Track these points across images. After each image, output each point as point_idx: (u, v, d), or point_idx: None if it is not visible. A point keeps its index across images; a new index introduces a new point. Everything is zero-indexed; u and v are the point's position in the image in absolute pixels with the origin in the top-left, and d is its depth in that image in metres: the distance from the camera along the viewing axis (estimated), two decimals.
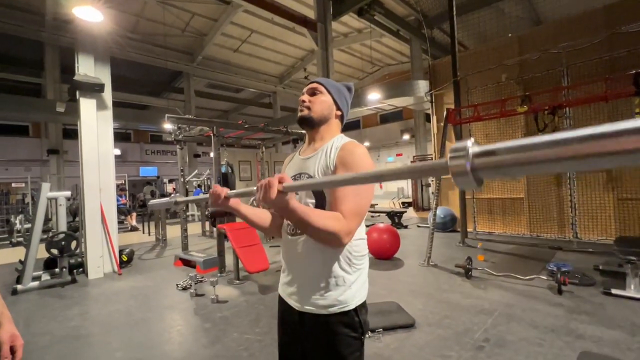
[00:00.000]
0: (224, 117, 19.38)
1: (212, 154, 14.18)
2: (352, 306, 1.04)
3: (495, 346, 2.27)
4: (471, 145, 0.40)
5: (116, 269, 4.71)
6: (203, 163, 16.56)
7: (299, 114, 1.15)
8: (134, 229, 9.16)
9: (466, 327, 2.57)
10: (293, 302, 1.10)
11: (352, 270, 1.06)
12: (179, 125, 4.29)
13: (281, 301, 1.19)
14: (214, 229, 4.50)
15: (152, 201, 1.43)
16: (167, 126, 10.12)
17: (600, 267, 3.75)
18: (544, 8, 9.57)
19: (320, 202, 1.05)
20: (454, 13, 5.74)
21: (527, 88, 5.48)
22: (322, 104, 1.14)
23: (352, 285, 1.05)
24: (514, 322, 2.61)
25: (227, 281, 4.02)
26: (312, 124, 1.14)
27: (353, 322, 1.04)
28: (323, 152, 1.09)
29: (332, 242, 0.96)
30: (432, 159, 9.84)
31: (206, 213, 4.18)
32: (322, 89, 1.15)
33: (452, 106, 6.00)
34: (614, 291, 3.02)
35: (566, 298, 3.03)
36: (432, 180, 7.80)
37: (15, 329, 0.94)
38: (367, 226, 7.94)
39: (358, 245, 1.08)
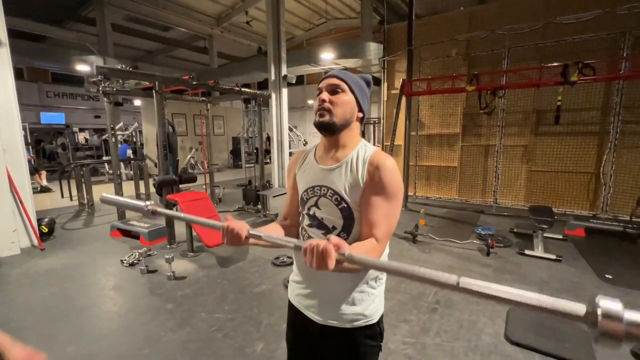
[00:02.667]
0: (148, 59, 16.76)
1: (137, 102, 12.36)
2: (376, 319, 1.06)
3: (445, 307, 2.65)
4: (626, 312, 0.41)
5: (36, 242, 4.05)
6: (126, 112, 14.48)
7: (319, 118, 1.00)
8: (45, 189, 7.83)
9: (419, 291, 2.92)
10: (313, 315, 1.09)
11: (377, 285, 1.08)
12: (109, 76, 3.55)
13: (295, 310, 1.16)
14: (160, 196, 4.09)
15: (113, 197, 1.20)
16: (82, 68, 8.41)
17: (515, 230, 4.51)
18: None
19: (349, 221, 1.00)
20: None
21: (471, 65, 5.84)
22: (344, 105, 1.00)
23: (375, 299, 1.07)
24: None
25: (180, 254, 3.80)
26: (333, 131, 1.01)
27: (375, 334, 1.07)
28: (348, 165, 1.00)
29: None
30: (376, 122, 10.16)
31: (152, 183, 3.74)
32: (345, 86, 1.01)
33: (404, 75, 6.14)
34: (526, 252, 3.69)
35: (493, 259, 3.62)
36: (378, 146, 8.15)
37: (25, 347, 0.77)
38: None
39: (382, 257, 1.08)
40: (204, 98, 6.03)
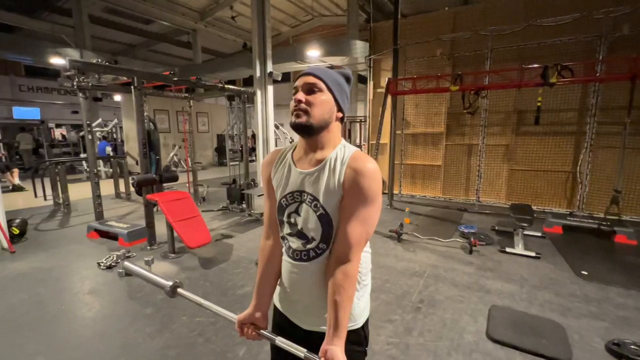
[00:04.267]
0: (129, 52, 16.22)
1: (117, 98, 11.95)
2: (360, 324, 1.04)
3: (428, 306, 2.67)
4: None
5: (6, 245, 3.85)
6: (106, 108, 13.99)
7: (295, 119, 0.94)
8: (17, 188, 7.46)
9: (404, 290, 2.93)
10: (298, 322, 1.07)
11: (360, 287, 1.05)
12: (84, 71, 3.37)
13: (280, 314, 1.14)
14: (140, 196, 3.95)
15: (134, 268, 1.31)
16: (56, 61, 8.04)
17: (496, 228, 4.61)
18: None
19: (328, 229, 0.96)
20: None
21: (455, 65, 5.91)
22: (322, 105, 0.94)
23: (359, 302, 1.04)
24: (440, 283, 3.07)
25: (160, 255, 3.69)
26: (311, 132, 0.95)
27: (360, 339, 1.05)
28: (327, 168, 0.95)
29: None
30: (363, 121, 10.18)
31: (131, 182, 3.61)
32: (322, 85, 0.94)
33: (390, 73, 6.16)
34: (507, 249, 3.77)
35: (475, 257, 3.68)
36: (364, 144, 8.17)
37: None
38: None
39: (364, 259, 1.05)
40: (187, 94, 5.85)
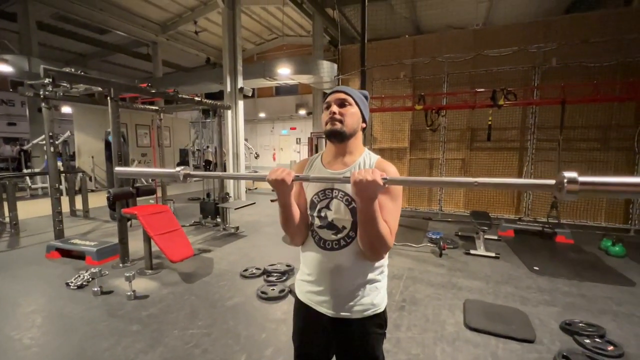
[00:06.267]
0: (80, 62, 15.23)
1: (65, 110, 11.06)
2: (382, 308, 1.19)
3: (411, 304, 2.89)
4: (579, 177, 0.68)
5: None
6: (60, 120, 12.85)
7: (331, 127, 1.11)
8: None
9: (387, 291, 3.13)
10: (325, 310, 1.16)
11: (382, 277, 1.21)
12: (58, 80, 3.20)
13: (305, 307, 1.22)
14: (113, 211, 3.76)
15: (130, 169, 1.19)
16: (3, 68, 7.36)
17: (459, 233, 5.07)
18: (422, 15, 11.23)
19: (356, 222, 1.09)
20: (366, 2, 6.09)
21: (416, 87, 6.51)
22: (352, 116, 1.13)
23: (382, 289, 1.20)
24: (417, 283, 3.33)
25: (137, 272, 3.52)
26: (343, 138, 1.13)
27: (381, 322, 1.19)
28: (356, 169, 1.11)
29: (379, 251, 1.05)
30: None
31: (107, 196, 3.44)
32: (351, 100, 1.15)
33: None
34: (471, 251, 4.19)
35: (445, 259, 4.03)
36: None
37: None
38: (272, 201, 8.07)
39: None
40: (157, 107, 5.70)
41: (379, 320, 1.18)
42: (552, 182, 0.73)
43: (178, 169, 1.12)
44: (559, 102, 4.61)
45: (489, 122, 5.16)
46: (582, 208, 5.54)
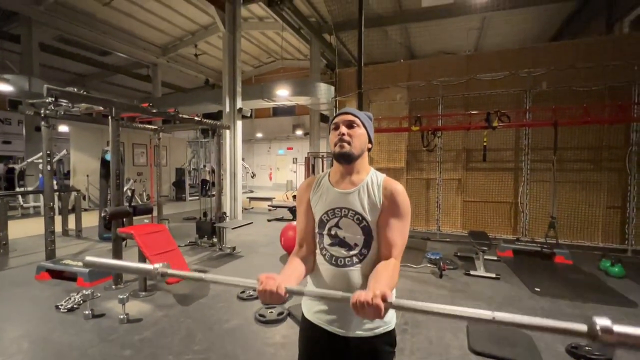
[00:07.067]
0: (79, 82, 15.43)
1: (62, 128, 11.11)
2: (393, 326, 1.17)
3: (413, 327, 2.82)
4: (615, 326, 0.60)
5: None
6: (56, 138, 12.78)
7: (340, 149, 1.13)
8: None
9: None
10: (336, 329, 1.14)
11: (392, 293, 1.20)
12: (61, 99, 3.23)
13: (315, 328, 1.20)
14: (108, 230, 3.69)
15: (102, 260, 1.01)
16: (3, 87, 7.42)
17: (459, 254, 5.03)
18: (415, 41, 11.69)
19: (369, 238, 1.13)
20: (362, 28, 6.34)
21: (412, 109, 6.67)
22: (360, 138, 1.15)
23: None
24: None
25: (130, 294, 3.40)
26: (352, 160, 1.14)
27: (392, 340, 1.17)
28: (365, 189, 1.14)
29: None
30: (325, 156, 10.65)
31: (102, 215, 3.39)
32: (359, 121, 1.17)
33: None
34: (472, 272, 4.14)
35: (445, 280, 3.98)
36: None
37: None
38: (269, 221, 8.00)
39: None
40: (156, 127, 5.74)
41: (389, 339, 1.16)
42: (584, 328, 0.64)
43: (156, 265, 1.01)
44: (551, 124, 4.74)
45: (484, 143, 5.26)
46: (579, 228, 5.57)
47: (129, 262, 1.11)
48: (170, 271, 1.03)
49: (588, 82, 5.36)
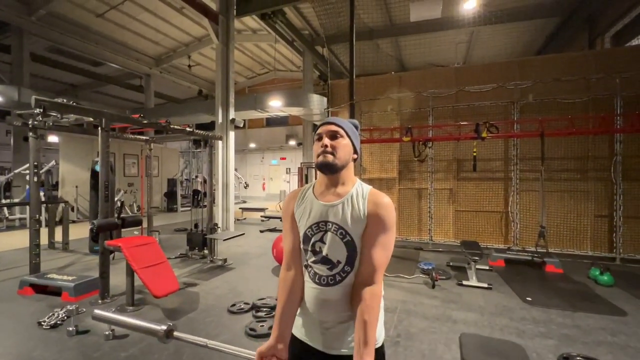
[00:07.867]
0: (71, 92, 15.33)
1: (52, 139, 10.99)
2: (380, 342, 1.14)
3: (406, 339, 2.79)
4: None
5: None
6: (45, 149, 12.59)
7: (323, 159, 1.10)
8: None
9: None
10: (320, 346, 1.12)
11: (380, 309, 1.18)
12: (49, 110, 3.19)
13: (300, 344, 1.18)
14: (95, 243, 3.61)
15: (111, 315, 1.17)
16: None
17: (451, 264, 5.04)
18: (405, 54, 11.95)
19: (352, 254, 1.10)
20: (354, 41, 6.46)
21: (403, 120, 6.75)
22: (344, 148, 1.13)
23: (379, 323, 1.16)
24: (412, 317, 3.24)
25: (117, 309, 3.32)
26: (335, 170, 1.12)
27: (381, 357, 1.14)
28: (349, 201, 1.12)
29: None
30: None
31: (90, 227, 3.33)
32: (343, 132, 1.14)
33: None
34: (464, 282, 4.14)
35: (438, 291, 3.97)
36: None
37: None
38: (262, 231, 7.92)
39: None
40: (147, 137, 5.70)
41: (378, 356, 1.12)
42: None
43: (163, 326, 1.06)
44: (538, 134, 4.84)
45: (474, 154, 5.34)
46: (568, 237, 5.63)
47: (137, 319, 1.15)
48: (177, 333, 1.09)
49: (572, 95, 5.51)
